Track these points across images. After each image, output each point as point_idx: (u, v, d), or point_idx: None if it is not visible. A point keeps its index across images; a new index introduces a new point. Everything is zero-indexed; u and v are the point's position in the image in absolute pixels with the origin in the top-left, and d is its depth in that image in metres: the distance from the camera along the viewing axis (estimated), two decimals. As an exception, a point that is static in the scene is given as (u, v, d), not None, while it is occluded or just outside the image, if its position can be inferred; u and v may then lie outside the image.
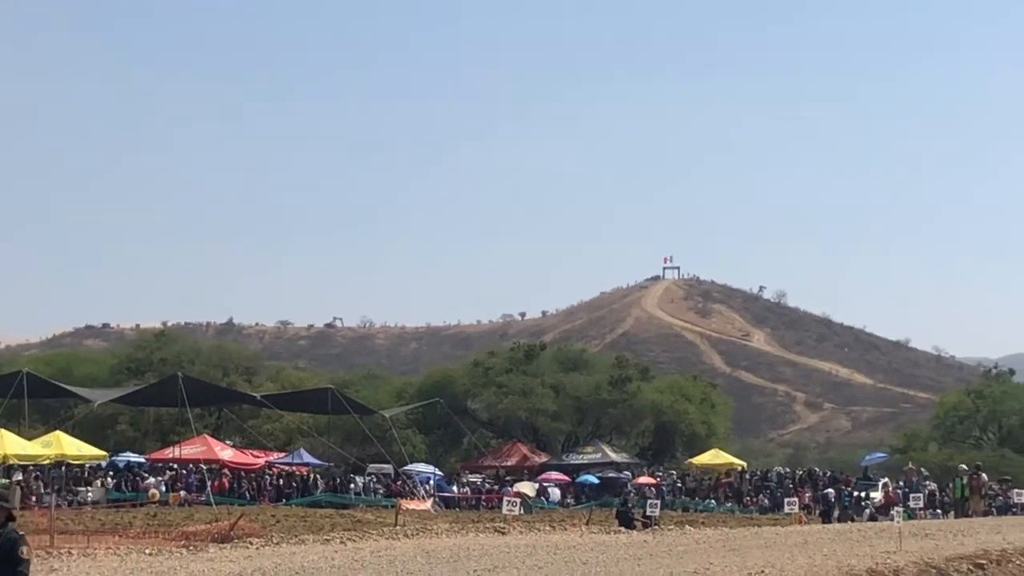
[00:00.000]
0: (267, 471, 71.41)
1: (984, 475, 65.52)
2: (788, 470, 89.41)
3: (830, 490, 72.58)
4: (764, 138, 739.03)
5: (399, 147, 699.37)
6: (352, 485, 70.11)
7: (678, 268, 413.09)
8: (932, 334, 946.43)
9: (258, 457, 75.65)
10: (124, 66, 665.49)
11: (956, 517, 59.68)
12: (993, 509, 68.42)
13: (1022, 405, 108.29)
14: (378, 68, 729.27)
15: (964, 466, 66.33)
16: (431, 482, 73.93)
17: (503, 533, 39.89)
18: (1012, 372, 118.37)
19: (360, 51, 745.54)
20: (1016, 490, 75.28)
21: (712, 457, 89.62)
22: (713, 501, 76.56)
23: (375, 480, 72.85)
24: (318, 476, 72.67)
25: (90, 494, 61.23)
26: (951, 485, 65.96)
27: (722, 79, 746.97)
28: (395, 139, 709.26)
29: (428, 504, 65.30)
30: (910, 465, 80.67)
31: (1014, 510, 68.47)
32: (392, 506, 58.68)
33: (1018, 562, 27.08)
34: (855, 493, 72.60)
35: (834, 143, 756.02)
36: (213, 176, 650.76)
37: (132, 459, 73.32)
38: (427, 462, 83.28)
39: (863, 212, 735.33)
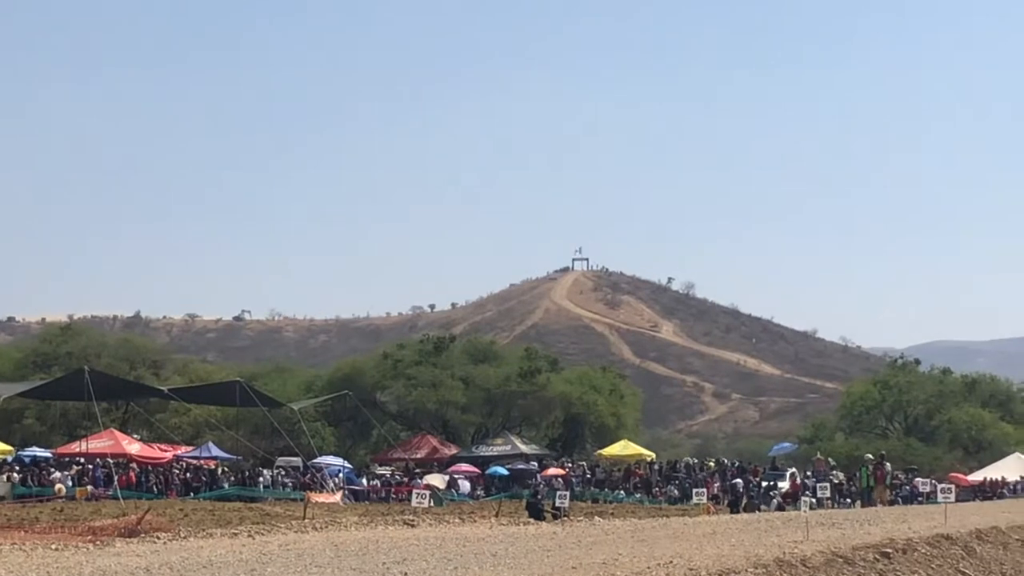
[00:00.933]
0: (175, 465, 71.00)
1: (888, 464, 66.17)
2: (696, 461, 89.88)
3: (738, 480, 73.13)
4: (671, 130, 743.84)
5: (307, 137, 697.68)
6: (260, 478, 69.81)
7: (587, 260, 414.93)
8: (839, 324, 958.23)
9: (166, 451, 75.23)
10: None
11: (863, 507, 60.19)
12: (899, 499, 69.17)
13: (927, 395, 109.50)
14: (277, 57, 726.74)
15: (870, 456, 66.96)
16: (340, 475, 73.70)
17: (413, 526, 39.80)
18: (918, 362, 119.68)
19: (262, 40, 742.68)
20: (921, 479, 76.16)
21: (621, 448, 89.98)
22: (622, 492, 76.77)
23: (284, 473, 72.57)
24: (226, 470, 72.30)
25: (-5, 489, 60.61)
26: (858, 475, 66.53)
27: (629, 72, 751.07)
28: (302, 129, 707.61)
29: (337, 497, 65.05)
30: (818, 455, 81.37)
31: (920, 499, 69.24)
32: (301, 499, 58.44)
33: (924, 551, 27.30)
34: (763, 483, 73.18)
35: (739, 134, 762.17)
36: (118, 166, 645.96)
37: (38, 454, 72.71)
38: (336, 455, 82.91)
39: (769, 203, 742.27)
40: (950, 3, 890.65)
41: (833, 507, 63.94)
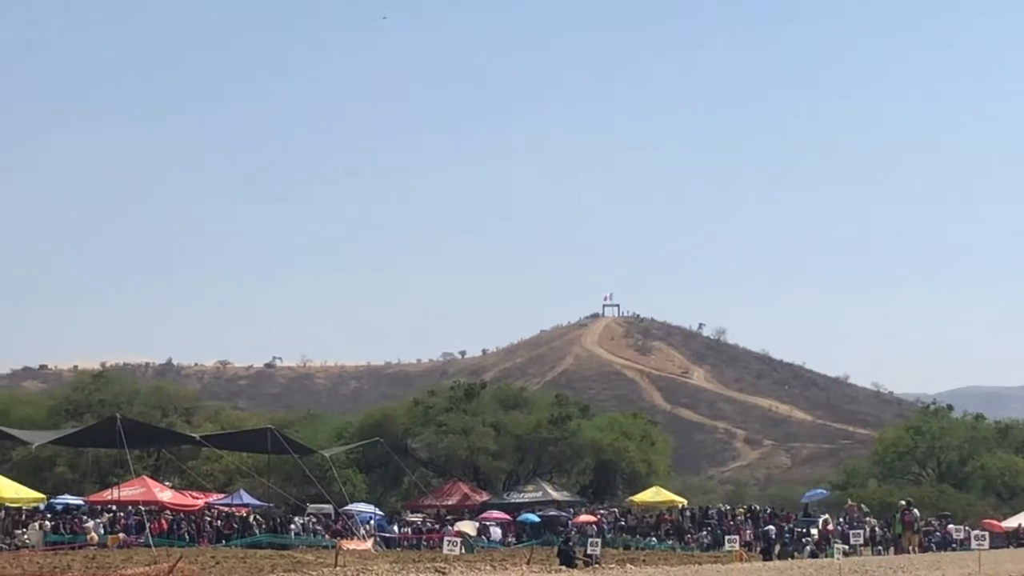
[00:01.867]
0: (207, 512, 70.98)
1: (916, 510, 65.85)
2: (728, 507, 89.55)
3: (770, 527, 72.85)
4: (701, 176, 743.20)
5: (339, 183, 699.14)
6: (292, 525, 69.81)
7: (618, 306, 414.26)
8: (871, 370, 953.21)
9: (197, 498, 75.21)
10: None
11: (895, 553, 59.98)
12: (932, 545, 68.84)
13: (960, 441, 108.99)
14: (308, 102, 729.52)
15: (903, 502, 66.73)
16: (371, 522, 73.73)
17: (444, 573, 39.84)
18: (950, 408, 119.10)
19: (289, 84, 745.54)
20: (955, 526, 75.77)
21: (653, 495, 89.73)
22: (654, 539, 76.67)
23: (315, 520, 72.53)
24: (258, 517, 72.31)
25: (27, 537, 60.66)
26: (892, 521, 66.31)
27: (656, 117, 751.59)
28: (336, 175, 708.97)
29: (369, 544, 65.05)
30: (850, 502, 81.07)
31: (953, 546, 68.94)
32: (332, 546, 58.40)
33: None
34: (795, 529, 72.92)
35: (770, 179, 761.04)
36: (150, 214, 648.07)
37: (70, 501, 72.67)
38: (367, 502, 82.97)
39: (801, 248, 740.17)
40: (971, 63, 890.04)
41: (867, 554, 63.72)
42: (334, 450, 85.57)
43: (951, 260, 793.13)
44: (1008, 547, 69.33)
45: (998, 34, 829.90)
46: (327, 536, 67.68)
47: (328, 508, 74.85)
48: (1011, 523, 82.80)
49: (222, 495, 78.82)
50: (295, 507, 77.68)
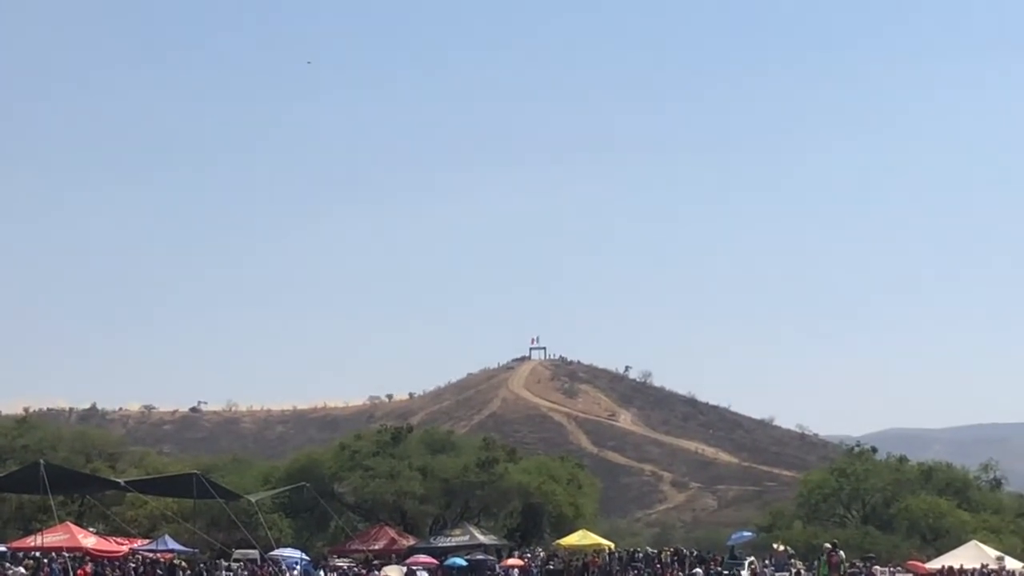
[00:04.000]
0: (131, 559, 70.51)
1: (841, 552, 66.24)
2: (655, 550, 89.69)
3: (698, 570, 73.13)
4: (627, 219, 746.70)
5: (260, 225, 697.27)
6: (218, 571, 69.44)
7: (544, 348, 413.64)
8: (796, 412, 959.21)
9: (122, 544, 74.76)
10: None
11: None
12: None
13: (884, 483, 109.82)
14: (236, 146, 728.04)
15: (827, 544, 67.09)
16: (298, 567, 73.44)
17: (371, 618, 39.78)
18: (875, 450, 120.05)
19: (229, 129, 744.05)
20: (879, 567, 76.28)
21: (580, 538, 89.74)
22: (581, 582, 76.68)
23: (241, 566, 72.21)
24: (183, 563, 71.85)
25: (-52, 584, 60.14)
26: (816, 563, 66.64)
27: (580, 162, 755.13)
28: (256, 217, 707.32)
29: (295, 589, 64.84)
30: (775, 544, 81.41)
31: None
32: (259, 592, 58.19)
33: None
34: (722, 572, 73.17)
35: (695, 224, 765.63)
36: (71, 256, 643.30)
37: (-8, 548, 72.11)
38: (294, 547, 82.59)
39: (727, 291, 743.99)
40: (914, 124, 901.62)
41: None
42: (260, 495, 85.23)
43: (874, 304, 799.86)
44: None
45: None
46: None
47: (254, 554, 74.52)
48: (935, 565, 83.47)
49: (147, 541, 78.28)
50: (221, 553, 77.24)
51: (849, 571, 69.02)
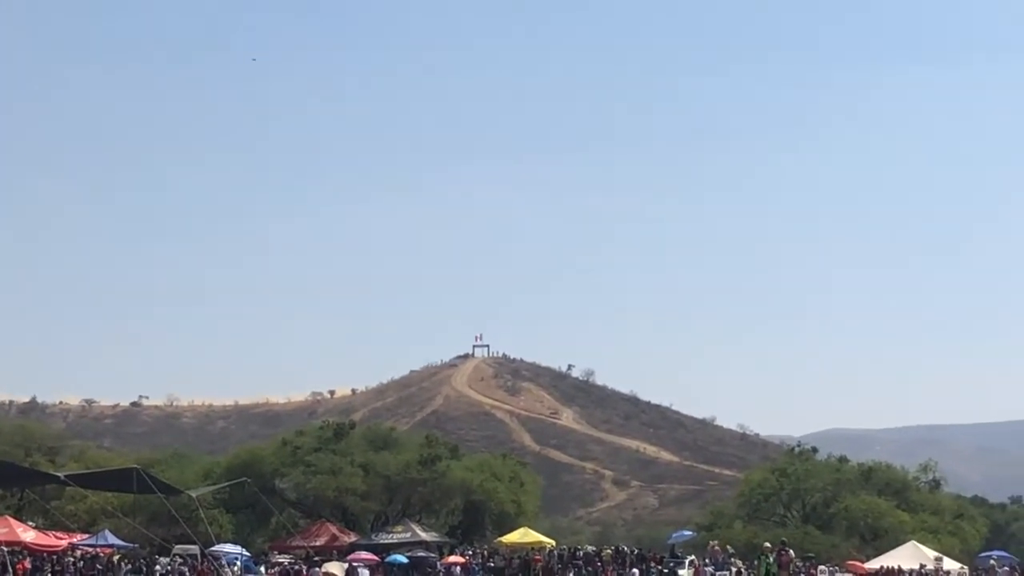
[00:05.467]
0: (70, 553, 70.11)
1: (791, 551, 66.46)
2: (595, 548, 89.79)
3: (635, 571, 73.26)
4: (569, 217, 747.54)
5: (205, 221, 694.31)
6: (157, 567, 69.11)
7: (488, 346, 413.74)
8: (737, 412, 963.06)
9: (61, 539, 74.32)
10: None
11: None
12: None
13: (825, 483, 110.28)
14: (179, 147, 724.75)
15: (768, 544, 67.19)
16: (238, 563, 73.13)
17: (312, 615, 39.69)
18: (815, 450, 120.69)
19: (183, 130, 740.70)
20: (820, 567, 76.60)
21: (521, 535, 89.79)
22: (522, 580, 76.69)
23: (181, 561, 71.84)
24: (123, 558, 71.48)
25: None
26: (756, 563, 66.78)
27: (523, 162, 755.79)
28: (203, 214, 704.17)
29: (235, 585, 64.58)
30: (713, 543, 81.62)
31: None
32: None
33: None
34: (663, 571, 73.29)
35: (638, 226, 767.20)
36: (12, 250, 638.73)
37: (-70, 542, 71.52)
38: (234, 543, 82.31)
39: (670, 290, 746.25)
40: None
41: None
42: (201, 490, 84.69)
43: (816, 306, 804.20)
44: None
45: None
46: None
47: (194, 549, 74.10)
48: (874, 565, 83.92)
49: (86, 535, 77.89)
50: (161, 548, 76.87)
51: (794, 570, 69.20)
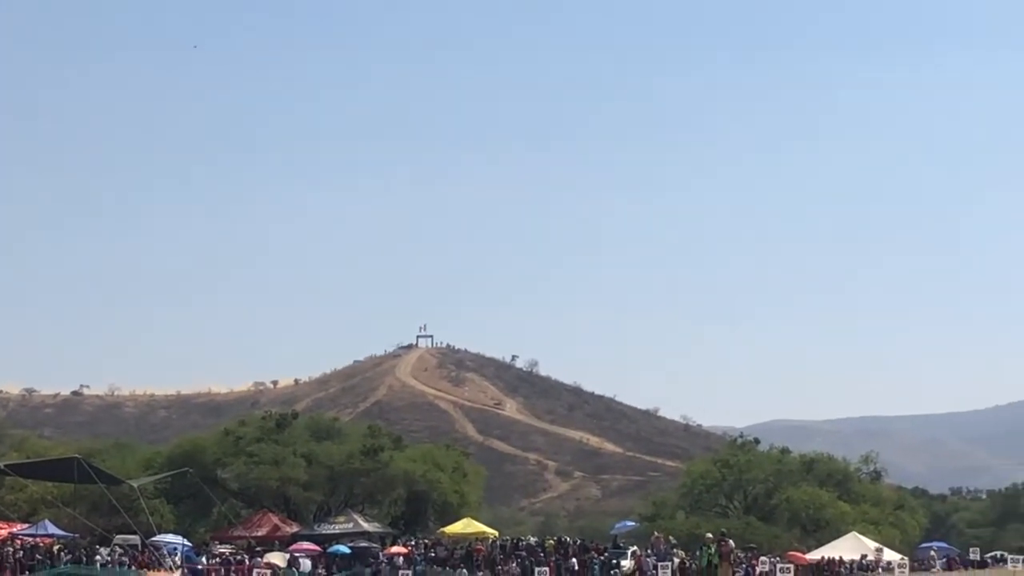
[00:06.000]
0: (10, 543, 69.57)
1: (731, 541, 66.63)
2: (538, 539, 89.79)
3: (573, 560, 73.31)
4: (514, 210, 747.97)
5: (147, 211, 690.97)
6: (98, 556, 68.63)
7: (431, 337, 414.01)
8: (680, 403, 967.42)
9: (1, 528, 73.72)
10: None
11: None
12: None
13: (766, 474, 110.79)
14: (115, 135, 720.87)
15: (710, 535, 67.33)
16: (179, 553, 72.76)
17: (253, 605, 39.49)
18: (757, 441, 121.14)
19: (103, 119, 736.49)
20: (762, 558, 76.88)
21: (464, 526, 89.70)
22: (465, 570, 76.61)
23: (122, 551, 71.39)
24: (63, 548, 71.00)
25: None
26: (698, 553, 66.88)
27: (467, 155, 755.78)
28: (143, 201, 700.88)
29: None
30: (656, 534, 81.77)
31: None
32: (139, 578, 57.62)
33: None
34: (605, 561, 73.34)
35: (582, 217, 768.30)
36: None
37: None
38: (175, 533, 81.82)
39: (614, 283, 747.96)
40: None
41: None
42: (142, 480, 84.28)
43: (759, 298, 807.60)
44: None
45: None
46: (134, 567, 66.68)
47: (135, 539, 73.65)
48: (815, 555, 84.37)
49: (26, 525, 77.38)
50: (101, 538, 76.27)
51: (733, 561, 69.38)
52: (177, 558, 71.22)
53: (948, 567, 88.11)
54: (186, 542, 78.16)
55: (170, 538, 77.42)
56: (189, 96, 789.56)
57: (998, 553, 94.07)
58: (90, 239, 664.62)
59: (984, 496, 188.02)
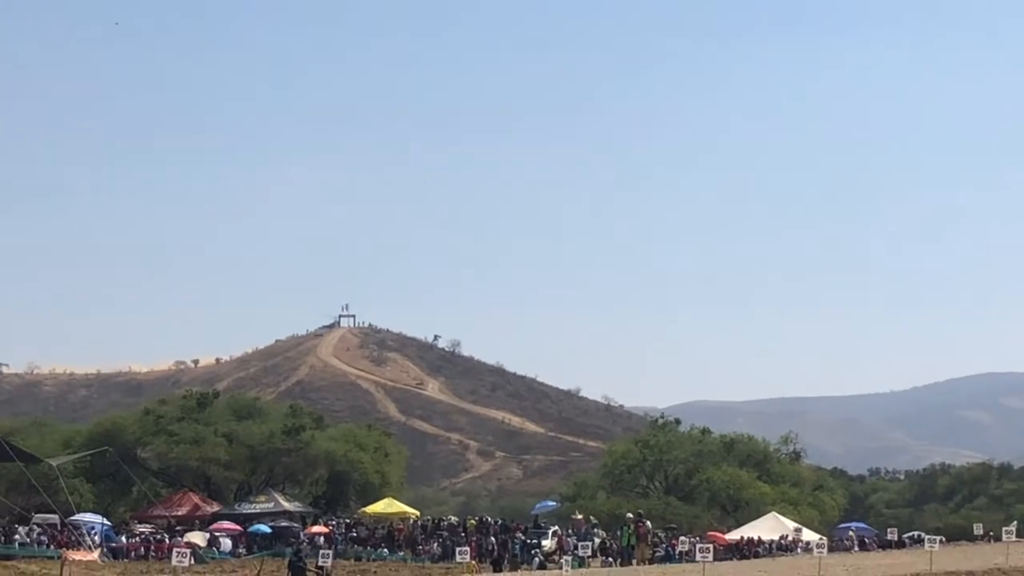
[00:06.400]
0: (-74, 523, 69.01)
1: (648, 523, 66.97)
2: (459, 519, 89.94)
3: (491, 539, 73.50)
4: (434, 191, 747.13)
5: (68, 183, 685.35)
6: (16, 536, 68.16)
7: (354, 316, 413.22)
8: (602, 384, 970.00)
9: (-84, 508, 73.14)
10: None
11: (622, 565, 60.82)
12: (657, 557, 70.01)
13: (687, 454, 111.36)
14: (32, 112, 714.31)
15: (631, 515, 67.69)
16: (99, 532, 72.34)
17: (173, 585, 39.33)
18: (678, 422, 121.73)
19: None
20: (681, 538, 77.32)
21: (385, 506, 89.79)
22: (386, 550, 76.66)
23: (40, 531, 70.93)
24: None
25: None
26: (619, 533, 67.19)
27: (390, 133, 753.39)
28: (65, 176, 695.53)
29: (95, 555, 63.82)
30: (576, 514, 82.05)
31: (679, 558, 70.25)
32: (58, 557, 57.21)
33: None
34: (527, 541, 73.53)
35: (504, 197, 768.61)
36: None
37: None
38: (95, 512, 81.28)
39: (536, 264, 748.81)
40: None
41: (596, 566, 64.49)
42: (61, 459, 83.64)
43: (680, 279, 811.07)
44: (732, 559, 70.99)
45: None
46: (52, 547, 66.25)
47: (54, 518, 73.20)
48: (735, 536, 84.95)
49: (-57, 505, 76.65)
50: (20, 517, 75.79)
51: (652, 542, 69.74)
52: (97, 537, 70.80)
53: (862, 547, 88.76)
54: (106, 521, 77.65)
55: (89, 517, 76.90)
56: (111, 74, 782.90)
57: (915, 534, 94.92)
58: (8, 217, 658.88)
59: (902, 477, 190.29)
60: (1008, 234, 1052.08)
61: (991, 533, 79.49)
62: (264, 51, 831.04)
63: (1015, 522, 72.03)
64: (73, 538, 68.41)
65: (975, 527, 77.75)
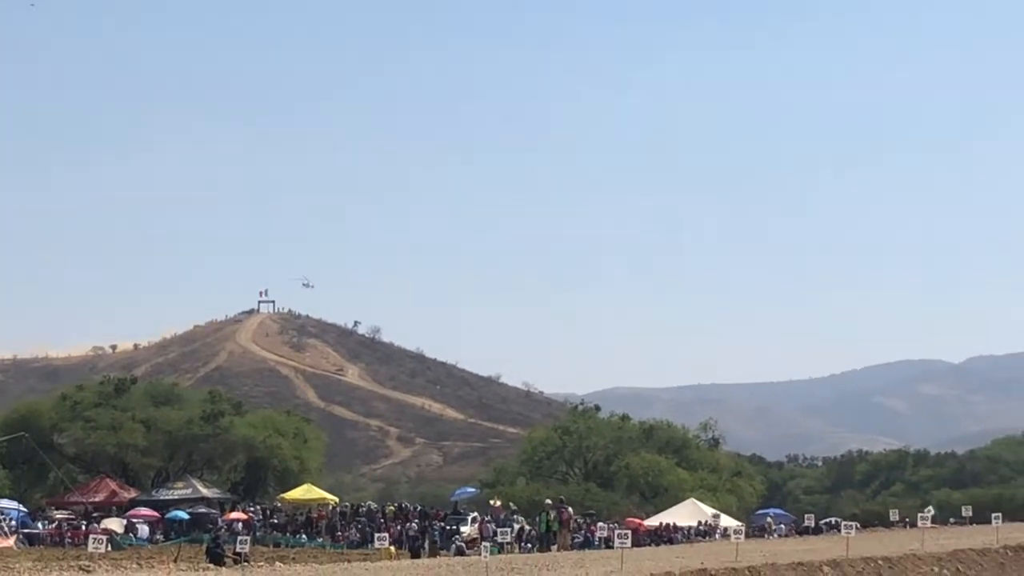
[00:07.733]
0: None
1: (570, 508, 67.14)
2: (379, 505, 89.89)
3: (411, 524, 73.53)
4: (355, 175, 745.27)
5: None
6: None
7: (273, 302, 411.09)
8: (522, 370, 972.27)
9: None
10: None
11: (540, 551, 60.89)
12: (576, 543, 70.19)
13: (606, 441, 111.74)
14: None
15: (549, 501, 67.81)
16: (14, 519, 71.82)
17: (88, 571, 39.09)
18: (598, 408, 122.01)
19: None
20: (600, 524, 77.53)
21: (304, 492, 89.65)
22: (304, 536, 76.51)
23: (-45, 517, 70.40)
24: None
25: None
26: (538, 519, 67.30)
27: (310, 116, 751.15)
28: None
29: (11, 542, 63.41)
30: (493, 500, 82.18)
31: (597, 544, 70.44)
32: (-28, 544, 56.74)
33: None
34: (446, 527, 73.59)
35: (428, 183, 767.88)
36: None
37: None
38: (10, 498, 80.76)
39: (455, 249, 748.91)
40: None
41: (516, 552, 64.57)
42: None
43: (600, 266, 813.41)
44: (651, 545, 71.30)
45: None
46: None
47: (-31, 505, 72.70)
48: (653, 522, 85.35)
49: None
50: (-66, 503, 75.20)
51: (573, 527, 69.89)
52: (12, 524, 70.29)
53: (778, 532, 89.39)
54: (21, 508, 77.23)
55: (5, 503, 76.46)
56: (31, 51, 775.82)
57: (832, 519, 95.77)
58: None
59: (820, 464, 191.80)
60: (926, 223, 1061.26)
61: (907, 519, 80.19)
62: (186, 34, 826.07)
63: (931, 508, 72.72)
64: (-12, 524, 67.89)
65: (891, 513, 78.44)
